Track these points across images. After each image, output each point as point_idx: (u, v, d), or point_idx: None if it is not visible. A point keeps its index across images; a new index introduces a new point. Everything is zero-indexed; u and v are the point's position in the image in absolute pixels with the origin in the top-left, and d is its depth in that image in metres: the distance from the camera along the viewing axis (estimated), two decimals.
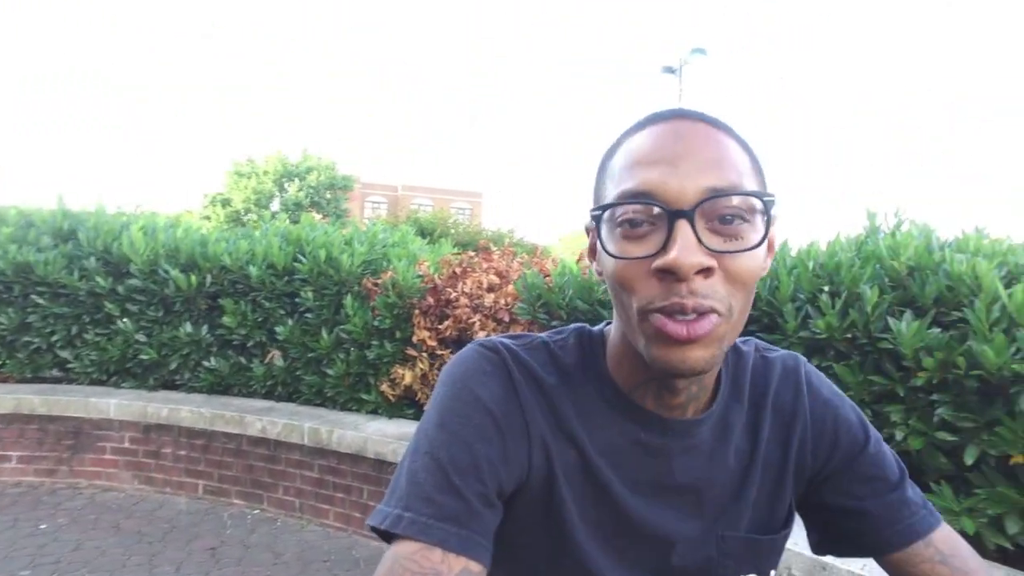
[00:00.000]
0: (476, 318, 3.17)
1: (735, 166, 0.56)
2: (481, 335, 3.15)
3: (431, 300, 3.35)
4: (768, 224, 0.57)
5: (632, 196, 0.56)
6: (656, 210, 0.55)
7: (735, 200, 0.55)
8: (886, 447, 0.71)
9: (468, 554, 0.54)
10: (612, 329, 0.68)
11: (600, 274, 0.63)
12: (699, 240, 0.54)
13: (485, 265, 3.48)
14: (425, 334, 3.32)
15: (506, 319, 3.11)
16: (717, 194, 0.54)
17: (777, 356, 0.75)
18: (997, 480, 1.71)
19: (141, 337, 3.86)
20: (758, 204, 0.56)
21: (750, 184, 0.57)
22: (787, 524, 0.71)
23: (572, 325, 0.73)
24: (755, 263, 0.57)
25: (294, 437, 3.24)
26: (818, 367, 2.06)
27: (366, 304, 3.52)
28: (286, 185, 25.03)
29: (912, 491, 0.68)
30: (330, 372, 3.52)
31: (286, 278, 3.66)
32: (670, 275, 0.54)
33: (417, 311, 3.36)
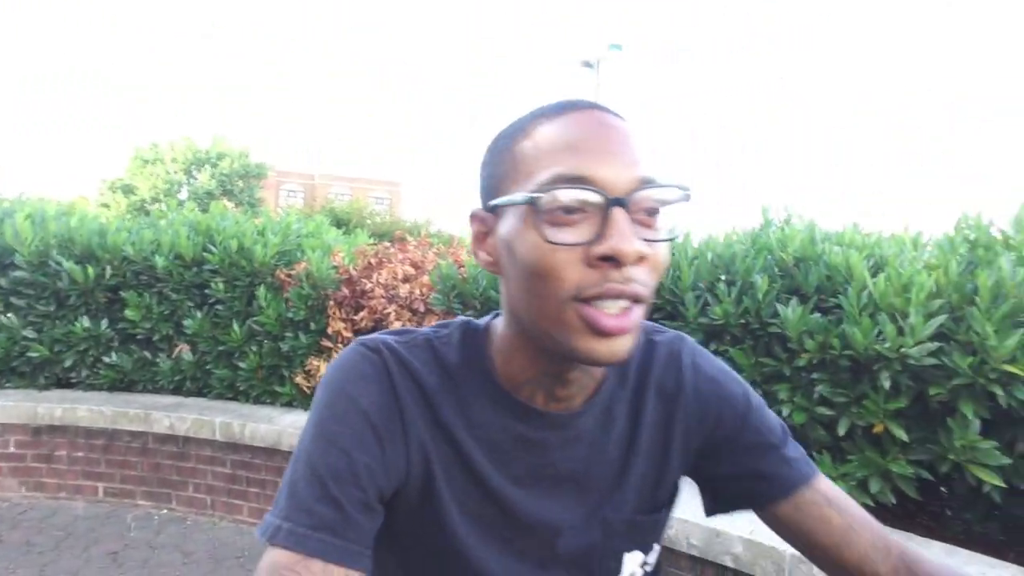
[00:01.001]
0: (391, 308, 3.17)
1: (656, 159, 0.59)
2: (396, 326, 3.16)
3: (346, 291, 3.33)
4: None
5: (568, 181, 0.54)
6: (593, 196, 0.54)
7: (661, 191, 0.57)
8: (768, 413, 0.74)
9: (347, 563, 0.56)
10: (501, 324, 0.66)
11: (492, 264, 0.62)
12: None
13: (400, 256, 3.48)
14: (340, 325, 3.29)
15: (421, 309, 3.13)
16: (649, 184, 0.56)
17: (663, 339, 0.76)
18: (864, 447, 1.91)
19: (29, 333, 3.61)
20: (671, 197, 0.58)
21: (664, 178, 0.58)
22: (670, 502, 0.74)
23: (459, 318, 0.72)
24: (669, 253, 0.60)
25: (204, 433, 3.14)
26: (715, 352, 2.22)
27: (280, 295, 3.44)
28: (195, 173, 23.81)
29: (793, 449, 0.72)
30: (242, 365, 3.43)
31: (195, 269, 3.52)
32: (609, 262, 0.54)
33: (332, 302, 3.32)
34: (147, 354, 3.63)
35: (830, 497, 0.68)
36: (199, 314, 3.50)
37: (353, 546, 0.57)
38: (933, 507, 2.04)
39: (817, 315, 2.03)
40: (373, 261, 3.48)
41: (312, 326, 3.38)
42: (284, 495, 0.59)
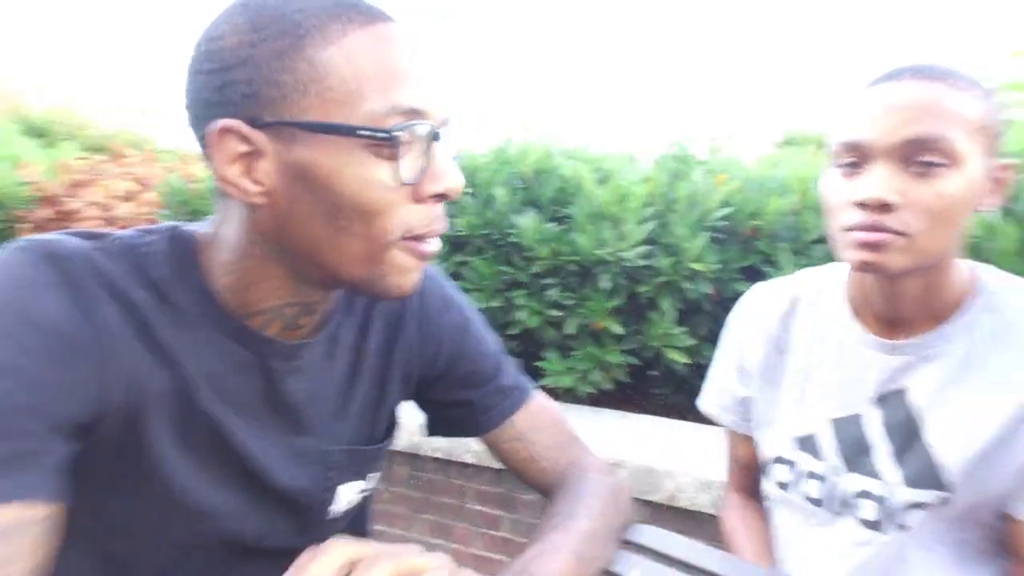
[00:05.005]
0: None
1: None
2: None
3: (47, 211, 2.79)
4: None
5: (408, 114, 0.51)
6: (423, 129, 0.52)
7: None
8: (485, 340, 0.76)
9: (24, 499, 0.47)
10: (233, 245, 0.57)
11: (264, 195, 0.52)
12: None
13: (119, 170, 3.00)
14: None
15: None
16: (451, 117, 0.56)
17: None
18: (587, 343, 2.13)
19: None
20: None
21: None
22: (390, 432, 0.74)
23: (166, 224, 0.62)
24: None
25: None
26: (459, 263, 2.28)
27: None
28: None
29: (506, 377, 0.76)
30: None
31: None
32: (437, 199, 0.54)
33: (26, 225, 2.77)
34: None
35: (525, 429, 0.76)
36: None
37: (30, 478, 0.47)
38: (644, 388, 2.37)
39: (551, 224, 2.17)
40: (83, 177, 2.95)
41: None
42: None
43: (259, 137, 0.51)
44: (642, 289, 2.02)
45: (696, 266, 1.93)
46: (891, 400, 0.76)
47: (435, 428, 0.79)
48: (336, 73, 0.50)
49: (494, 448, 0.76)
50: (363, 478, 0.71)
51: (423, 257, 0.56)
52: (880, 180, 0.66)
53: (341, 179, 0.51)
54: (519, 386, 0.77)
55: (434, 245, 0.57)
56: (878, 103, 0.68)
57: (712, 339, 1.00)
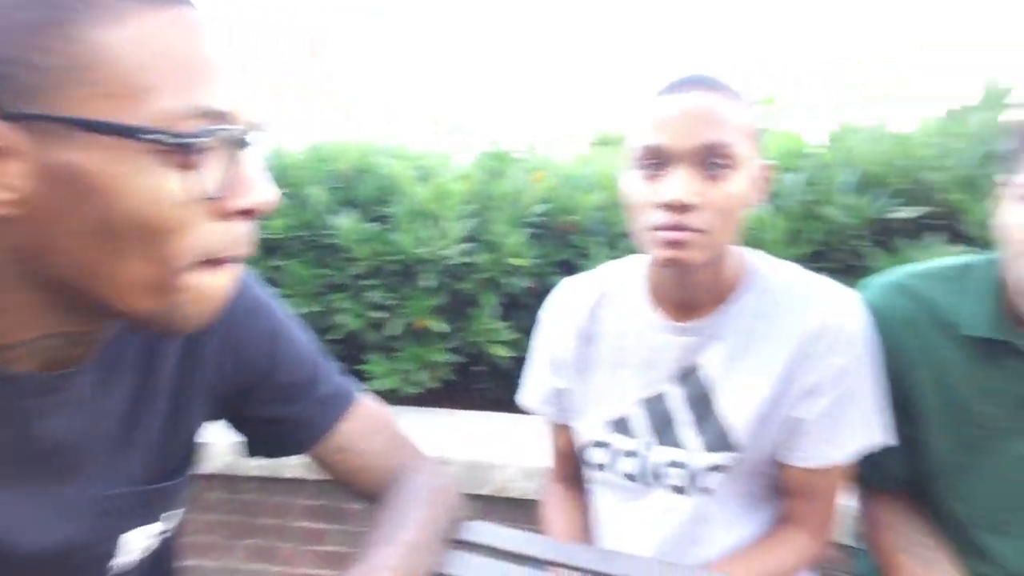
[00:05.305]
0: None
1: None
2: None
3: None
4: None
5: (211, 117, 0.44)
6: (230, 134, 0.45)
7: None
8: (302, 344, 0.70)
9: None
10: None
11: (15, 204, 0.42)
12: None
13: None
14: None
15: None
16: (264, 120, 0.50)
17: None
18: (411, 343, 2.11)
19: None
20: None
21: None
22: (190, 462, 0.65)
23: None
24: None
25: None
26: (274, 267, 2.14)
27: None
28: None
29: (326, 384, 0.70)
30: None
31: None
32: (249, 215, 0.47)
33: None
34: None
35: (354, 436, 0.70)
36: None
37: None
38: (469, 384, 2.40)
39: (371, 224, 2.11)
40: None
41: None
42: None
43: (8, 132, 0.41)
44: (464, 286, 2.05)
45: (516, 261, 2.00)
46: (688, 377, 0.84)
47: (254, 449, 0.72)
48: (119, 60, 0.41)
49: (320, 461, 0.71)
50: (157, 519, 0.62)
51: (224, 283, 0.49)
52: (681, 183, 0.72)
53: (120, 191, 0.42)
54: (341, 393, 0.71)
55: (238, 269, 0.50)
56: (673, 111, 0.73)
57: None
